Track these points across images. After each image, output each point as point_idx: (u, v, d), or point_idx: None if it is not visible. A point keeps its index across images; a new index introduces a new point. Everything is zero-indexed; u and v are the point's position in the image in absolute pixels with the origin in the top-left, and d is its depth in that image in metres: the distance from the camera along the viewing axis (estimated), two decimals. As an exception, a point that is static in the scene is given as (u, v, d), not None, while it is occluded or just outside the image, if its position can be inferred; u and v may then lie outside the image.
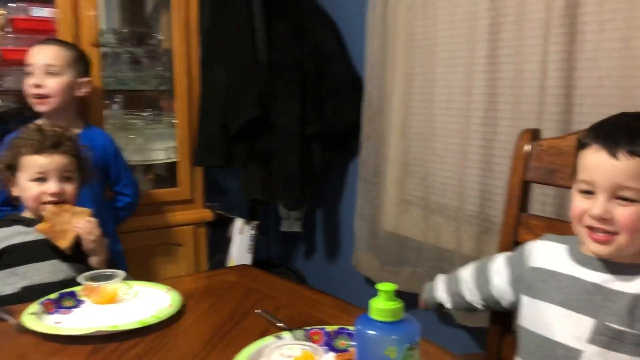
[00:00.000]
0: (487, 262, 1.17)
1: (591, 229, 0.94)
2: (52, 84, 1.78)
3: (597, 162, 0.93)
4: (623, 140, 0.91)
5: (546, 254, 1.06)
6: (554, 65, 1.46)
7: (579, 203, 0.97)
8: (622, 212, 0.91)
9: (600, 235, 0.93)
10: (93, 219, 1.41)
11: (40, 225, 1.34)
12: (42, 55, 1.78)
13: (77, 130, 1.81)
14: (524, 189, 1.26)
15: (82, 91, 1.89)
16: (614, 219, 0.92)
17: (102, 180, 1.88)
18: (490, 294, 1.14)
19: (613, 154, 0.91)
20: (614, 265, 0.96)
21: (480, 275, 1.16)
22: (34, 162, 1.41)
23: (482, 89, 1.65)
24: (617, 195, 0.92)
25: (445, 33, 1.79)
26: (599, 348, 0.93)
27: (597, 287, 0.96)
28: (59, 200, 1.41)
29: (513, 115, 1.59)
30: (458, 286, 1.19)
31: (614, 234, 0.92)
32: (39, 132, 1.44)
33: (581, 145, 0.98)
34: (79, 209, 1.41)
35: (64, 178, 1.43)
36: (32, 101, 1.77)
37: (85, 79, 1.89)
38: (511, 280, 1.10)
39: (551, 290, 1.01)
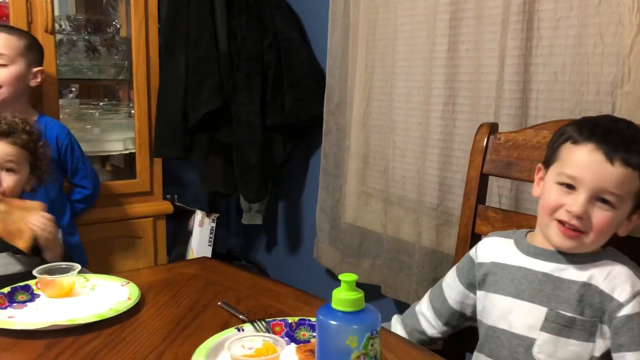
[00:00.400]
0: (438, 284, 1.18)
1: (562, 223, 0.96)
2: (3, 74, 1.71)
3: (591, 162, 0.93)
4: (622, 148, 0.92)
5: (493, 249, 1.09)
6: (511, 61, 1.49)
7: (555, 196, 0.97)
8: (600, 216, 0.93)
9: (570, 231, 0.95)
10: (47, 215, 1.36)
11: None
12: None
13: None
14: (482, 181, 1.29)
15: (35, 81, 1.83)
16: (589, 219, 0.93)
17: (57, 172, 1.83)
18: (451, 312, 1.14)
19: (610, 159, 0.92)
20: (563, 256, 0.99)
21: (436, 300, 1.17)
22: None
23: (441, 83, 1.67)
24: (598, 196, 0.93)
25: (406, 27, 1.80)
26: (551, 335, 0.96)
27: (547, 277, 0.99)
28: None
29: (471, 109, 1.62)
30: (417, 323, 1.18)
31: (582, 232, 0.94)
32: None
33: (571, 139, 0.97)
34: (30, 203, 1.35)
35: (5, 168, 1.38)
36: None
37: (38, 69, 1.83)
38: (466, 284, 1.12)
39: (502, 283, 1.04)
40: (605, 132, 0.95)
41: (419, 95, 1.75)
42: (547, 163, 1.02)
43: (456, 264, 1.17)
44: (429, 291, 1.20)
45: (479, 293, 1.08)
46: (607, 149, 0.92)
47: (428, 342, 1.18)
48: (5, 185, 1.38)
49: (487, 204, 1.31)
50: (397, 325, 1.21)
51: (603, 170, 0.92)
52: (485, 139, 1.28)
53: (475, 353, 1.09)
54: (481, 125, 1.31)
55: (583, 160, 0.94)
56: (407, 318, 1.20)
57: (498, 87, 1.51)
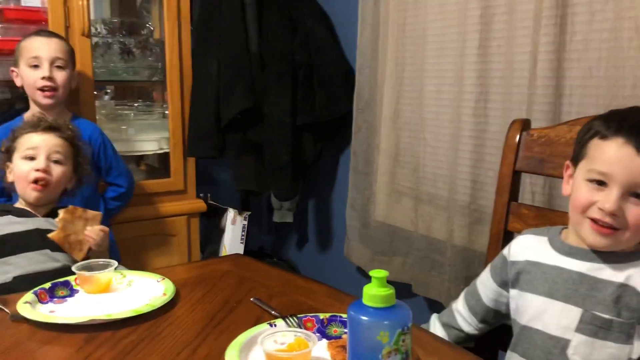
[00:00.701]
0: (473, 282, 1.17)
1: (595, 221, 0.94)
2: (60, 77, 1.77)
3: (621, 157, 0.91)
4: None
5: (527, 247, 1.07)
6: (544, 56, 1.47)
7: (586, 194, 0.94)
8: (635, 211, 0.90)
9: (605, 228, 0.92)
10: (104, 227, 1.39)
11: (54, 234, 1.32)
12: (50, 48, 1.76)
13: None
14: (515, 178, 1.28)
15: (75, 83, 1.90)
16: (624, 216, 0.91)
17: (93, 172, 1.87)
18: (486, 310, 1.13)
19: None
20: (599, 255, 0.96)
21: (470, 299, 1.16)
22: (27, 140, 1.42)
23: (472, 80, 1.66)
24: (631, 191, 0.91)
25: (436, 24, 1.79)
26: (587, 337, 0.94)
27: (582, 277, 0.96)
28: (44, 179, 1.40)
29: (503, 105, 1.60)
30: (453, 320, 1.18)
31: (618, 229, 0.92)
32: (40, 116, 1.47)
33: (599, 134, 0.95)
34: (90, 213, 1.37)
35: (53, 159, 1.43)
36: (39, 94, 1.75)
37: (76, 72, 1.89)
38: (500, 282, 1.11)
39: (536, 282, 1.01)
40: (633, 125, 0.92)
41: (450, 92, 1.74)
42: (576, 160, 1.00)
43: (490, 262, 1.16)
44: (465, 289, 1.20)
45: (513, 291, 1.07)
46: (636, 142, 0.90)
47: (466, 340, 1.18)
48: (55, 174, 1.42)
49: (519, 201, 1.30)
50: (435, 323, 1.21)
51: (634, 164, 0.90)
52: (518, 136, 1.26)
53: (508, 352, 1.08)
54: (513, 122, 1.29)
55: (612, 156, 0.92)
56: (444, 316, 1.21)
57: (530, 83, 1.50)
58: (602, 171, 0.93)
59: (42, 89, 1.74)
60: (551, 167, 1.21)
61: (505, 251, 1.11)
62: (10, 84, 2.09)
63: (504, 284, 1.10)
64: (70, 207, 1.35)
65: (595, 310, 0.94)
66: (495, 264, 1.13)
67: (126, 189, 2.02)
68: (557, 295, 0.98)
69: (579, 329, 0.95)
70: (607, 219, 0.92)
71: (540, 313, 1.00)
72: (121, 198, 2.03)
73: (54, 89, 1.75)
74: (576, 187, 0.98)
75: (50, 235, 1.33)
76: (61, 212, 1.34)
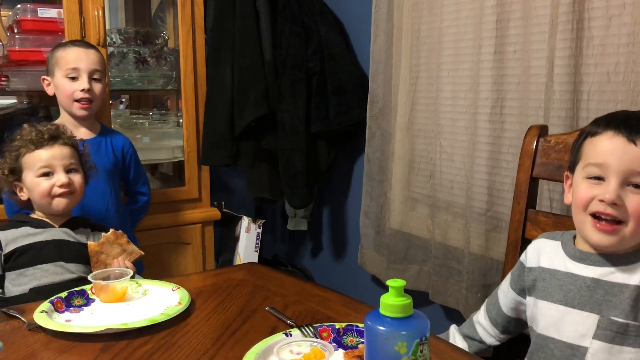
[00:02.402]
0: (495, 292, 1.17)
1: (596, 217, 0.93)
2: (97, 89, 1.77)
3: (613, 147, 0.92)
4: None
5: (541, 253, 1.06)
6: (560, 62, 1.45)
7: (585, 190, 0.95)
8: (635, 200, 0.90)
9: (607, 225, 0.92)
10: (132, 266, 1.37)
11: (92, 244, 1.33)
12: (89, 60, 1.76)
13: (95, 133, 1.84)
14: (532, 185, 1.26)
15: (104, 94, 1.90)
16: (624, 205, 0.90)
17: (118, 182, 1.90)
18: (507, 320, 1.13)
19: (632, 140, 0.91)
20: (611, 258, 0.95)
21: (491, 309, 1.15)
22: (37, 158, 1.41)
23: (488, 86, 1.65)
24: (629, 181, 0.91)
25: (451, 30, 1.78)
26: (604, 343, 0.93)
27: (597, 282, 0.95)
28: (69, 190, 1.41)
29: (520, 111, 1.58)
30: (474, 332, 1.17)
31: (620, 222, 0.91)
32: (34, 130, 1.43)
33: (589, 134, 0.97)
34: (132, 247, 1.37)
35: (69, 169, 1.43)
36: (76, 105, 1.74)
37: (108, 82, 1.91)
38: (518, 290, 1.09)
39: (551, 289, 1.00)
40: (621, 117, 0.95)
41: (466, 99, 1.72)
42: (573, 167, 1.01)
43: (511, 271, 1.14)
44: (487, 300, 1.19)
45: (529, 299, 1.06)
46: (626, 131, 0.92)
47: (487, 350, 1.17)
48: (77, 184, 1.43)
49: (537, 209, 1.28)
50: (455, 335, 1.20)
51: (627, 152, 0.91)
52: (535, 142, 1.25)
53: None
54: (530, 128, 1.28)
55: (605, 147, 0.93)
56: (465, 328, 1.20)
57: (547, 89, 1.48)
58: (597, 163, 0.94)
59: (79, 100, 1.75)
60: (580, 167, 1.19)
61: (522, 257, 1.10)
62: (30, 93, 2.13)
63: (522, 292, 1.09)
64: (120, 232, 1.36)
65: (612, 316, 0.93)
66: (514, 272, 1.12)
67: (148, 197, 2.04)
68: (572, 302, 0.97)
69: (596, 336, 0.93)
70: (609, 210, 0.91)
71: (556, 321, 0.99)
72: (145, 207, 2.05)
73: (90, 100, 1.76)
74: (576, 188, 0.99)
75: (89, 242, 1.34)
76: (110, 231, 1.35)
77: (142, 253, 1.36)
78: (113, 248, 1.33)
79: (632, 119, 0.94)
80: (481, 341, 1.16)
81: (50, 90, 1.80)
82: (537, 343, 1.02)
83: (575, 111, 1.45)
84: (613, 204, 0.91)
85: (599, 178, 0.94)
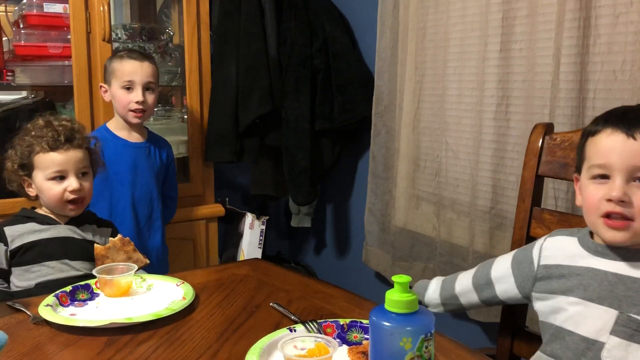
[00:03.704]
0: (487, 271, 1.14)
1: (607, 216, 0.92)
2: (150, 100, 1.87)
3: (613, 144, 0.91)
4: (639, 122, 0.90)
5: (558, 249, 1.04)
6: (566, 60, 1.45)
7: (593, 192, 0.94)
8: None
9: (617, 221, 0.91)
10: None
11: (98, 247, 1.33)
12: (143, 73, 1.84)
13: (144, 137, 1.93)
14: (537, 183, 1.26)
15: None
16: (632, 202, 0.90)
17: (161, 184, 1.98)
18: (494, 299, 1.12)
19: (630, 135, 0.90)
20: (633, 253, 0.94)
21: (483, 287, 1.13)
22: (50, 161, 1.38)
23: (494, 84, 1.65)
24: (634, 177, 0.90)
25: (457, 27, 1.78)
26: (621, 340, 0.91)
27: (619, 277, 0.93)
28: (80, 197, 1.41)
29: (525, 109, 1.58)
30: (452, 287, 1.17)
31: (630, 219, 0.90)
32: (49, 127, 1.41)
33: (590, 133, 0.96)
34: (137, 256, 1.36)
35: (81, 174, 1.42)
36: (130, 114, 1.84)
37: (160, 88, 1.96)
38: (518, 284, 1.08)
39: (570, 284, 0.98)
40: (619, 114, 0.94)
41: (472, 97, 1.72)
42: (579, 168, 1.01)
43: (508, 261, 1.11)
44: (478, 267, 1.17)
45: (541, 296, 1.04)
46: (624, 126, 0.91)
47: (456, 308, 1.18)
48: (87, 189, 1.42)
49: (542, 207, 1.28)
50: (433, 283, 1.21)
51: (627, 147, 0.90)
52: (541, 140, 1.24)
53: (537, 352, 1.05)
54: (536, 126, 1.28)
55: (605, 145, 0.93)
56: (447, 281, 1.20)
57: (553, 87, 1.48)
58: (599, 163, 0.93)
59: (134, 110, 1.84)
60: (574, 171, 1.19)
61: (534, 252, 1.07)
62: (35, 88, 2.13)
63: (523, 285, 1.06)
64: (127, 239, 1.35)
65: (631, 313, 0.91)
66: (518, 264, 1.08)
67: (176, 202, 2.12)
68: (592, 297, 0.95)
69: (613, 332, 0.92)
70: (618, 209, 0.91)
71: (574, 315, 0.97)
72: (174, 211, 2.12)
73: (144, 110, 1.85)
74: (584, 191, 0.98)
75: (95, 245, 1.34)
76: (118, 237, 1.35)
77: (147, 262, 1.36)
78: (119, 254, 1.33)
79: (629, 113, 0.93)
80: (455, 297, 1.17)
81: (107, 97, 1.90)
82: (553, 335, 1.01)
83: (581, 109, 1.45)
84: (620, 202, 0.90)
85: (604, 177, 0.93)
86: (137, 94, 1.82)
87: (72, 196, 1.39)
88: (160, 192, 1.98)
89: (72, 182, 1.39)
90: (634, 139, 0.90)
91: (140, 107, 1.83)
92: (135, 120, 1.86)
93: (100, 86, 1.92)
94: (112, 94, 1.86)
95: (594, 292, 0.95)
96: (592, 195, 0.95)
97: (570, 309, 0.98)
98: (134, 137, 1.90)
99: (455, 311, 1.19)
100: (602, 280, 0.95)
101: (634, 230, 0.91)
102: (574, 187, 1.43)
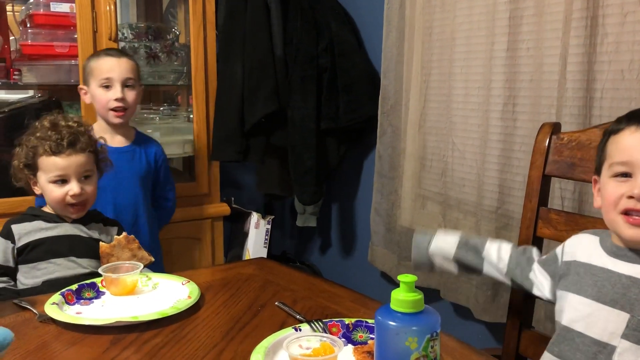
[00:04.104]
0: (525, 268, 1.11)
1: (627, 213, 0.91)
2: (131, 97, 1.79)
3: (636, 142, 0.90)
4: None
5: (578, 246, 1.03)
6: (574, 59, 1.44)
7: (614, 189, 0.93)
8: None
9: (638, 218, 0.89)
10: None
11: (104, 245, 1.33)
12: (121, 69, 1.77)
13: (130, 140, 1.86)
14: (544, 183, 1.25)
15: (140, 99, 1.90)
16: None
17: (149, 188, 1.92)
18: (524, 280, 1.09)
19: None
20: None
21: (522, 270, 1.10)
22: (52, 165, 1.39)
23: (501, 83, 1.64)
24: None
25: (464, 27, 1.77)
26: (632, 344, 0.90)
27: (633, 281, 0.92)
28: (81, 201, 1.41)
29: (532, 109, 1.57)
30: (479, 258, 1.12)
31: None
32: (54, 130, 1.41)
33: (612, 132, 0.95)
34: (141, 254, 1.36)
35: (83, 177, 1.42)
36: (111, 114, 1.77)
37: (142, 87, 1.90)
38: (551, 288, 1.06)
39: (584, 283, 0.97)
40: None
41: (478, 96, 1.72)
42: (599, 169, 0.99)
43: (538, 259, 1.10)
44: (513, 254, 1.12)
45: (558, 292, 1.03)
46: None
47: (472, 269, 1.13)
48: (89, 193, 1.42)
49: (549, 206, 1.27)
50: (447, 235, 1.14)
51: None
52: (547, 139, 1.24)
53: (545, 352, 1.04)
54: (543, 125, 1.27)
55: (628, 143, 0.92)
56: (472, 241, 1.14)
57: (560, 86, 1.47)
58: (622, 161, 0.92)
59: (114, 109, 1.77)
60: (582, 171, 1.18)
61: (558, 250, 1.07)
62: (42, 88, 2.14)
63: (551, 282, 1.06)
64: (131, 237, 1.36)
65: None
66: (548, 263, 1.08)
67: (173, 204, 2.05)
68: (604, 298, 0.94)
69: (625, 335, 0.91)
70: (639, 206, 0.89)
71: (585, 316, 0.96)
72: (170, 213, 2.06)
73: (124, 108, 1.78)
74: (603, 189, 0.96)
75: (101, 243, 1.34)
76: (122, 235, 1.35)
77: (152, 259, 1.36)
78: (124, 252, 1.33)
79: None
80: (480, 271, 1.12)
81: (87, 99, 1.83)
82: (562, 335, 1.00)
83: (588, 109, 1.44)
84: None
85: (626, 175, 0.92)
86: (115, 91, 1.75)
87: (73, 200, 1.40)
88: (149, 196, 1.91)
89: (73, 187, 1.39)
90: None
91: (120, 104, 1.76)
92: (116, 120, 1.78)
93: (80, 88, 1.84)
94: (91, 94, 1.79)
95: (607, 294, 0.94)
96: (612, 193, 0.93)
97: (581, 310, 0.97)
98: (117, 141, 1.82)
99: (462, 272, 1.14)
100: (616, 283, 0.93)
101: None
102: (581, 188, 1.44)
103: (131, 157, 1.84)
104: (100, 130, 1.78)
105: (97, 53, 1.85)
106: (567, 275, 1.02)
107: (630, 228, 0.91)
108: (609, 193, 0.94)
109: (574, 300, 0.98)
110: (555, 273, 1.06)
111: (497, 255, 1.13)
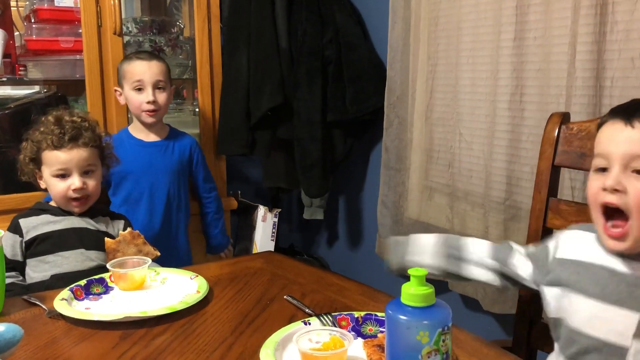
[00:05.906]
0: (506, 253, 1.09)
1: (606, 216, 0.90)
2: (162, 98, 1.89)
3: (612, 133, 0.90)
4: (639, 111, 0.88)
5: (574, 244, 1.01)
6: (583, 47, 1.42)
7: (593, 182, 0.92)
8: (637, 186, 0.86)
9: (615, 231, 0.88)
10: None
11: (109, 241, 1.33)
12: (152, 72, 1.86)
13: (163, 136, 1.96)
14: (554, 173, 1.24)
15: (171, 99, 1.99)
16: (627, 192, 0.86)
17: (184, 182, 2.00)
18: (509, 278, 1.07)
19: (629, 123, 0.88)
20: None
21: (503, 264, 1.07)
22: (54, 158, 1.40)
23: (508, 73, 1.62)
24: (632, 167, 0.87)
25: (470, 16, 1.76)
26: None
27: (638, 279, 0.90)
28: (83, 196, 1.41)
29: (540, 99, 1.56)
30: (462, 266, 1.10)
31: (627, 220, 0.87)
32: (58, 125, 1.42)
33: (599, 125, 0.95)
34: (147, 249, 1.36)
35: (86, 172, 1.42)
36: (144, 114, 1.87)
37: (174, 87, 1.99)
38: (532, 274, 1.04)
39: (585, 283, 0.95)
40: (624, 105, 0.92)
41: (485, 86, 1.70)
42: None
43: (523, 251, 1.07)
44: (491, 249, 1.10)
45: (554, 290, 1.02)
46: (624, 115, 0.89)
47: (451, 275, 1.12)
48: (91, 188, 1.43)
49: (558, 197, 1.26)
50: (428, 249, 1.14)
51: (625, 135, 0.88)
52: (557, 130, 1.22)
53: (554, 354, 1.02)
54: (552, 115, 1.25)
55: (605, 135, 0.91)
56: (451, 256, 1.12)
57: (569, 76, 1.45)
58: (600, 152, 0.91)
59: (146, 111, 1.87)
60: (592, 161, 1.17)
61: (550, 245, 1.05)
62: (47, 83, 2.14)
63: (536, 277, 1.04)
64: (136, 232, 1.36)
65: None
66: (536, 255, 1.06)
67: (212, 189, 2.14)
68: (610, 299, 0.91)
69: (636, 335, 0.89)
70: (608, 198, 0.88)
71: (591, 317, 0.93)
72: (220, 201, 2.16)
73: (156, 110, 1.87)
74: (587, 184, 0.95)
75: (106, 239, 1.34)
76: (128, 231, 1.35)
77: (158, 254, 1.36)
78: (129, 247, 1.34)
79: (633, 105, 0.91)
80: (460, 276, 1.10)
81: (122, 100, 1.94)
82: (570, 337, 0.97)
83: (598, 98, 1.42)
84: (614, 190, 0.87)
85: (605, 169, 0.90)
86: (147, 94, 1.85)
87: (75, 194, 1.40)
88: (185, 188, 2.00)
89: (75, 181, 1.40)
90: (632, 127, 0.87)
91: (152, 107, 1.86)
92: (149, 120, 1.88)
93: (115, 90, 1.96)
94: (125, 96, 1.90)
95: (612, 294, 0.91)
96: (590, 187, 0.93)
97: (586, 309, 0.95)
98: (151, 137, 1.94)
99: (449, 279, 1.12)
100: (620, 282, 0.91)
101: (632, 236, 0.87)
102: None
103: (163, 151, 1.95)
104: (134, 128, 1.93)
105: (129, 56, 1.93)
106: (563, 274, 0.99)
107: (608, 240, 0.90)
108: (589, 187, 0.93)
109: (578, 301, 0.96)
110: (543, 266, 1.03)
111: (475, 248, 1.10)
